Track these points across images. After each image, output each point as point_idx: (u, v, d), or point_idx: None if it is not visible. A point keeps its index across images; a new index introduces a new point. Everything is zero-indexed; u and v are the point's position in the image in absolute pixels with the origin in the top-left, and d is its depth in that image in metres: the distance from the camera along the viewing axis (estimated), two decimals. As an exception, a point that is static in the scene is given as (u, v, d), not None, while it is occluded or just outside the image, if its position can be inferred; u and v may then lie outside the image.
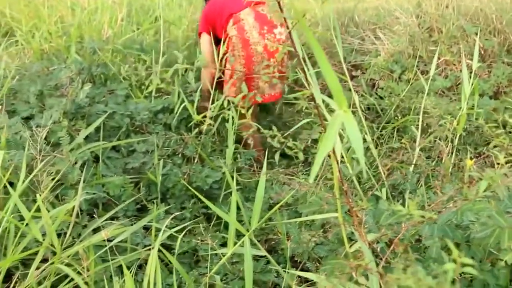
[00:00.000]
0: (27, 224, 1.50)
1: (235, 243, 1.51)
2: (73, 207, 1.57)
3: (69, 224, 1.60)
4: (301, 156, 1.75)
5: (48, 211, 1.58)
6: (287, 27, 1.07)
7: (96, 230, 1.71)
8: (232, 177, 2.12)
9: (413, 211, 0.97)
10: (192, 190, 1.74)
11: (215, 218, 2.18)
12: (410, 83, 3.18)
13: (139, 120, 2.67)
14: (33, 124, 2.25)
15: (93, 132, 2.43)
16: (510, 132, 2.56)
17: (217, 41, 3.00)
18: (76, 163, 1.83)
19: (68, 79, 2.23)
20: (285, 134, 1.76)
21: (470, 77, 3.47)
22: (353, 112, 2.70)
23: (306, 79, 1.18)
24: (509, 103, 2.84)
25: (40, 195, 1.55)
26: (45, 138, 1.98)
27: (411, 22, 3.85)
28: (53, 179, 1.69)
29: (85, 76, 3.05)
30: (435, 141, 2.41)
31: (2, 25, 4.28)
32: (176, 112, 2.87)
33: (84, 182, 1.94)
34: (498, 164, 1.96)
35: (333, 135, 0.76)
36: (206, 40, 3.07)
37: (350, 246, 1.26)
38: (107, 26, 3.75)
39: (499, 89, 3.38)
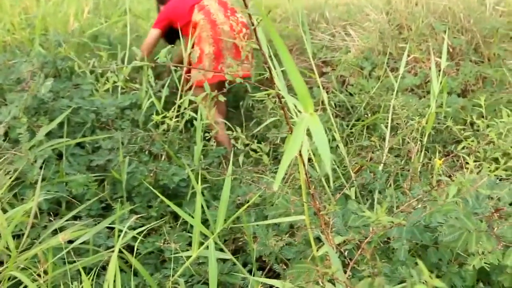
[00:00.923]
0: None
1: (201, 244, 1.47)
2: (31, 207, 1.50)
3: (27, 226, 1.53)
4: (265, 160, 1.71)
5: (5, 212, 1.51)
6: (252, 24, 1.03)
7: (58, 231, 1.65)
8: (200, 176, 2.08)
9: (382, 217, 0.95)
10: (154, 191, 1.69)
11: (181, 217, 2.13)
12: (380, 80, 3.19)
13: (105, 116, 2.59)
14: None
15: (56, 128, 2.35)
16: (477, 131, 2.58)
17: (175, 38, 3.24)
18: (36, 161, 1.75)
19: (30, 73, 2.14)
20: (251, 134, 1.73)
21: (439, 75, 3.50)
22: (323, 109, 2.69)
23: (272, 77, 1.15)
24: (475, 101, 2.87)
25: (-5, 195, 1.48)
26: (4, 135, 1.89)
27: (381, 19, 3.85)
28: (10, 178, 1.62)
29: (49, 70, 2.95)
30: (404, 139, 2.40)
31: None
32: (143, 109, 2.81)
33: (45, 180, 1.87)
34: (468, 166, 1.96)
35: (299, 139, 0.73)
36: (154, 34, 3.25)
37: (318, 249, 1.23)
38: (73, 18, 3.64)
39: (466, 87, 3.42)
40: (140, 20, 4.43)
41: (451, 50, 3.70)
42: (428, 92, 3.19)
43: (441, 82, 2.31)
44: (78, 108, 2.54)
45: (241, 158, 2.00)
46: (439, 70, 3.59)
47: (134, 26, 4.27)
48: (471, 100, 3.07)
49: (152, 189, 1.80)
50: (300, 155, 1.09)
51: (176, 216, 2.20)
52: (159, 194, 1.55)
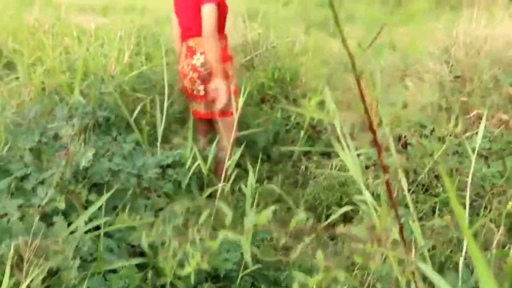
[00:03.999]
0: None
1: None
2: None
3: None
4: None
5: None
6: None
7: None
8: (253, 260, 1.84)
9: None
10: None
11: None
12: (444, 141, 2.90)
13: (146, 180, 2.38)
14: (27, 187, 1.97)
15: (94, 195, 2.15)
16: None
17: None
18: (74, 257, 1.53)
19: (70, 138, 1.94)
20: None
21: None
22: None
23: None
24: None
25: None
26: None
27: (441, 70, 3.58)
28: (43, 278, 1.40)
29: (88, 122, 2.77)
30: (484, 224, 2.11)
31: (3, 55, 4.01)
32: (188, 168, 2.59)
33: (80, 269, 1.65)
34: None
35: None
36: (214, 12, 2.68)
37: None
38: (115, 61, 3.47)
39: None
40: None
41: (518, 105, 3.40)
42: (498, 156, 2.88)
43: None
44: (119, 170, 2.33)
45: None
46: (505, 127, 3.28)
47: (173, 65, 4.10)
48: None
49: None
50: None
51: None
52: None
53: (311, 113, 3.00)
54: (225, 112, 2.78)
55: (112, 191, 1.89)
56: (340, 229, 2.13)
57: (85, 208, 2.10)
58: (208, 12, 2.56)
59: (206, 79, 2.74)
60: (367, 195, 1.92)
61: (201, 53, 2.77)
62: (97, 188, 2.30)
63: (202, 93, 2.80)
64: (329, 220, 1.91)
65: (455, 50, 3.69)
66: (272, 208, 2.21)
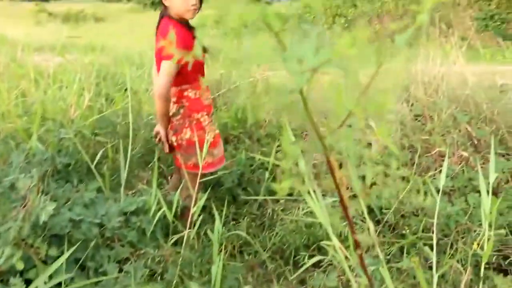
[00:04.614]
0: None
1: None
2: None
3: None
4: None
5: None
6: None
7: None
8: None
9: None
10: None
11: None
12: (409, 180, 2.93)
13: (110, 229, 2.29)
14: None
15: (54, 248, 2.05)
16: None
17: None
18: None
19: (28, 191, 1.85)
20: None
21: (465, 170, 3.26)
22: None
23: None
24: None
25: None
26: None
27: (402, 109, 3.66)
28: None
29: (47, 169, 2.67)
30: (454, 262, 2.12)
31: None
32: (153, 215, 2.52)
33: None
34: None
35: None
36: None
37: None
38: (75, 105, 3.39)
39: (498, 185, 3.17)
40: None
41: (475, 142, 3.49)
42: (461, 193, 2.93)
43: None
44: (80, 220, 2.24)
45: None
46: (466, 164, 3.35)
47: (136, 106, 4.04)
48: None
49: None
50: None
51: None
52: None
53: (273, 160, 2.98)
54: (189, 164, 2.71)
55: (73, 248, 1.80)
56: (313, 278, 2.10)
57: (45, 262, 2.00)
58: (163, 68, 2.51)
59: (177, 130, 2.68)
60: (335, 241, 1.91)
61: (173, 103, 2.71)
62: (57, 239, 2.19)
63: (175, 143, 2.74)
64: (300, 271, 1.87)
65: (414, 89, 3.78)
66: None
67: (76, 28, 20.00)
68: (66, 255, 1.73)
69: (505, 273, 2.34)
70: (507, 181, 3.09)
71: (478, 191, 2.90)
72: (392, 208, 2.73)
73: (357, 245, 0.69)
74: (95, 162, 2.76)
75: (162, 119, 2.62)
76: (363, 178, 2.55)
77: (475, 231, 2.39)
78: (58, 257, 2.06)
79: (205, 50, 2.74)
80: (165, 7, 2.58)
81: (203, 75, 2.77)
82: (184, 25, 2.56)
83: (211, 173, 2.72)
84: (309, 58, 0.44)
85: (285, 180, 0.70)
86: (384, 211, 2.74)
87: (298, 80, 0.44)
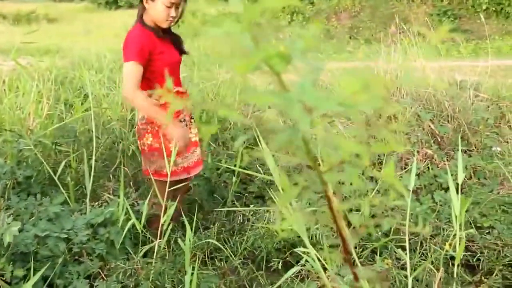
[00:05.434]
0: None
1: None
2: None
3: None
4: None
5: None
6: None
7: None
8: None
9: None
10: None
11: None
12: (376, 180, 2.96)
13: (77, 244, 2.21)
14: None
15: (20, 266, 1.97)
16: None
17: None
18: None
19: (-11, 209, 1.76)
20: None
21: (429, 166, 3.32)
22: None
23: None
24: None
25: None
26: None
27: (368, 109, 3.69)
28: None
29: (7, 183, 2.57)
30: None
31: None
32: (121, 226, 2.45)
33: None
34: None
35: None
36: None
37: None
38: (33, 113, 3.27)
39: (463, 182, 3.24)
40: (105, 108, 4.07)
41: (439, 139, 3.57)
42: (427, 190, 2.98)
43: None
44: (45, 236, 2.16)
45: None
46: (430, 161, 3.41)
47: (97, 112, 3.93)
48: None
49: None
50: None
51: None
52: None
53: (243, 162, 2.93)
54: (150, 170, 2.62)
55: (41, 270, 1.72)
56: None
57: (9, 283, 1.92)
58: (125, 70, 2.42)
59: (141, 134, 2.59)
60: (311, 250, 1.90)
61: None
62: (23, 256, 2.11)
63: (140, 148, 2.65)
64: (280, 281, 1.85)
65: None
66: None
67: (28, 30, 19.31)
68: (35, 278, 1.65)
69: (473, 268, 2.39)
70: (470, 177, 3.16)
71: (444, 189, 2.97)
72: (362, 209, 2.75)
73: (355, 279, 0.67)
74: (58, 173, 2.67)
75: (153, 115, 2.44)
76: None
77: (443, 229, 2.43)
78: (24, 276, 1.99)
79: (183, 52, 2.67)
80: (144, 8, 2.47)
81: (178, 82, 2.65)
82: (152, 32, 2.47)
83: (181, 181, 2.65)
84: (321, 105, 0.42)
85: (283, 223, 0.68)
86: (354, 213, 2.76)
87: (305, 125, 0.42)
